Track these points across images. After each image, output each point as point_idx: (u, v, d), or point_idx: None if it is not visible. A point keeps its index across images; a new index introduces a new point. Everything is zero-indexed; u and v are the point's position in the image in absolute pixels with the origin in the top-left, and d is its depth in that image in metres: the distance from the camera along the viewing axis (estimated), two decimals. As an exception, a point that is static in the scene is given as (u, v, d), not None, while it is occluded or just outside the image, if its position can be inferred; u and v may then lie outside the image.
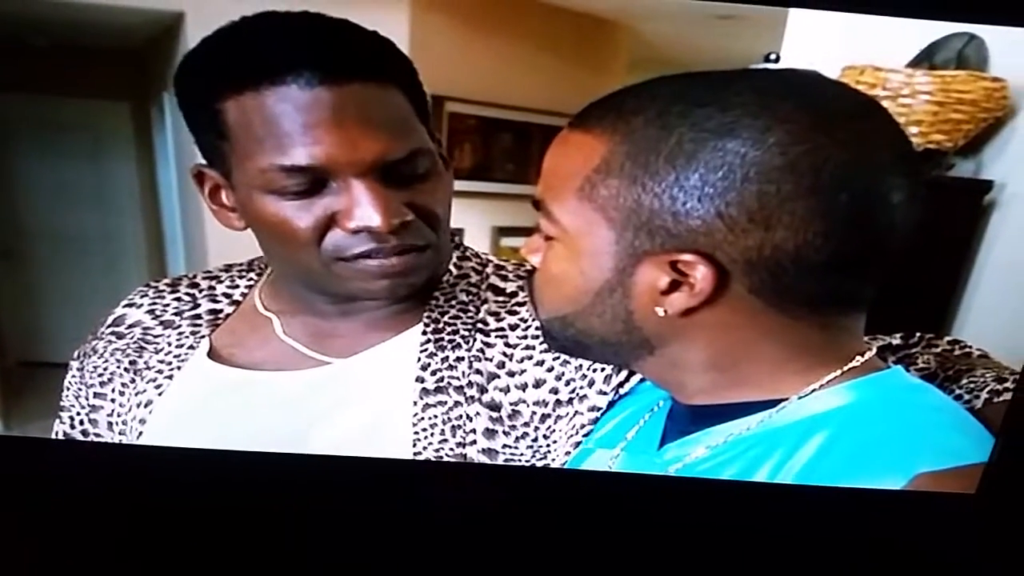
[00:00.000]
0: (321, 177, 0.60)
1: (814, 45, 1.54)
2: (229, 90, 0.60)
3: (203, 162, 0.66)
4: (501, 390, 0.65)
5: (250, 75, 0.59)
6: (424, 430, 0.64)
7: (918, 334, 0.65)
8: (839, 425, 0.48)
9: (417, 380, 0.65)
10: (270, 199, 0.62)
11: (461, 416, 0.64)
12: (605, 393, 0.66)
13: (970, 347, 0.63)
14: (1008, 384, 0.55)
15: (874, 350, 0.53)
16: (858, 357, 0.50)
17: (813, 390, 0.49)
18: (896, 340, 0.64)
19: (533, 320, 0.63)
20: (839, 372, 0.49)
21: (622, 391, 0.68)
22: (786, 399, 0.50)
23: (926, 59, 1.42)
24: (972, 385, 0.56)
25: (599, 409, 0.66)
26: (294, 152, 0.59)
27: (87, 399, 0.73)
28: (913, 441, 0.46)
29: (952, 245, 1.37)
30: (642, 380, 0.66)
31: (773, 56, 1.52)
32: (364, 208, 0.60)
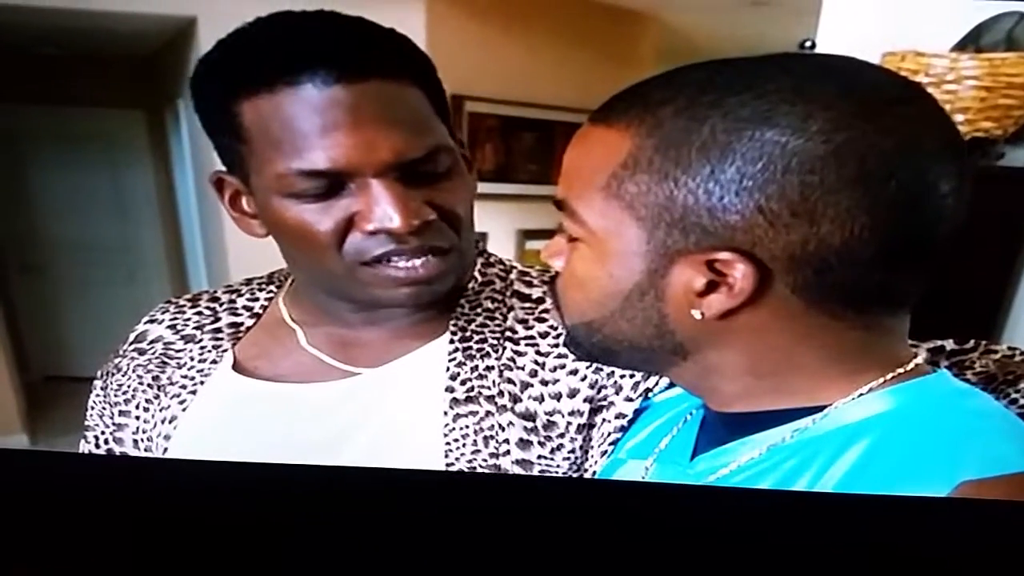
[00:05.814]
0: (339, 179, 0.59)
1: (851, 30, 1.50)
2: (244, 92, 0.59)
3: (223, 169, 0.65)
4: (535, 399, 0.64)
5: (265, 75, 0.58)
6: (455, 440, 0.63)
7: (972, 340, 0.60)
8: (880, 433, 0.45)
9: (447, 390, 0.64)
10: (289, 203, 0.60)
11: (493, 426, 0.63)
12: (632, 400, 0.64)
13: None
14: None
15: (921, 355, 0.50)
16: (905, 364, 0.47)
17: (855, 397, 0.47)
18: (950, 344, 0.60)
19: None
20: (883, 379, 0.46)
21: (650, 398, 0.65)
22: (826, 406, 0.47)
23: (972, 42, 1.36)
24: None
25: (625, 417, 0.64)
26: (312, 156, 0.58)
27: (112, 418, 0.72)
28: (956, 448, 0.43)
29: (1003, 240, 1.32)
30: (671, 385, 0.64)
31: (808, 43, 1.48)
32: (383, 208, 0.59)
